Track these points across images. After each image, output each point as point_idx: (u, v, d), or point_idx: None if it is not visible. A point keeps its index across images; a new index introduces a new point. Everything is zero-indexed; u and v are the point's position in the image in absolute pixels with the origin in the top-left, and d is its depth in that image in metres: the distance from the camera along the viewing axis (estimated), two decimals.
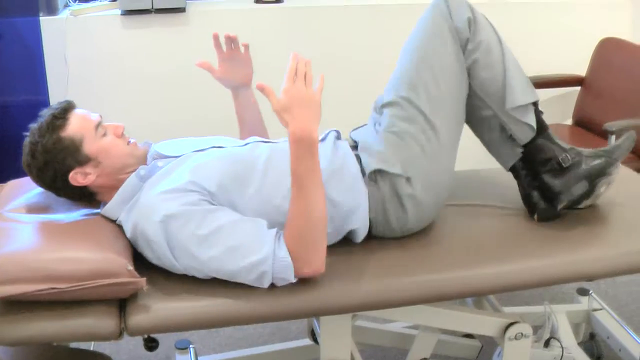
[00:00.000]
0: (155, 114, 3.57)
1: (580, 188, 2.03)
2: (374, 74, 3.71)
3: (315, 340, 2.35)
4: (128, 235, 1.79)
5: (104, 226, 1.80)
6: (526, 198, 2.09)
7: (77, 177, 1.81)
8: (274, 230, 1.73)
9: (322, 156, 1.81)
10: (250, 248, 1.68)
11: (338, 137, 2.03)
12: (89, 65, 3.42)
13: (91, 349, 2.40)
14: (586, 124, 3.54)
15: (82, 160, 1.80)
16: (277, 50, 3.60)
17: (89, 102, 3.44)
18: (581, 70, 3.70)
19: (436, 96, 1.95)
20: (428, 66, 1.96)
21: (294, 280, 1.71)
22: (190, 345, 2.26)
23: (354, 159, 1.95)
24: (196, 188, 1.74)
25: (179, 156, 1.88)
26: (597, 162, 2.04)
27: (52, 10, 3.30)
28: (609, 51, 3.60)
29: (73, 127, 1.80)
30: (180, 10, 3.43)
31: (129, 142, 1.89)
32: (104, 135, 1.84)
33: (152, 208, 1.72)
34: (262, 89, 1.69)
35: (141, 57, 3.48)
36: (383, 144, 1.94)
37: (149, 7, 3.36)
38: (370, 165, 1.93)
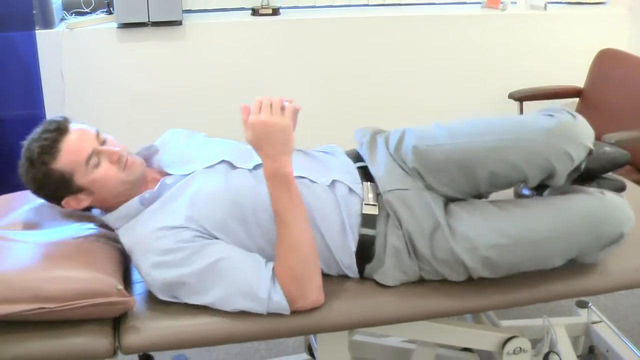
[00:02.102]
0: (151, 127, 3.54)
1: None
2: (371, 86, 3.72)
3: (312, 355, 2.34)
4: (125, 248, 1.75)
5: (95, 245, 1.77)
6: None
7: (71, 202, 1.77)
8: (271, 267, 1.69)
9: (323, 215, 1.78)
10: (247, 291, 1.65)
11: (351, 190, 1.85)
12: (85, 78, 3.41)
13: None
14: None
15: (73, 190, 1.75)
16: (275, 62, 3.60)
17: (85, 115, 3.44)
18: (579, 82, 3.69)
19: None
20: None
21: (288, 314, 1.68)
22: None
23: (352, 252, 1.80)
24: (191, 225, 1.69)
25: (188, 174, 1.81)
26: None
27: (48, 23, 3.29)
28: (607, 62, 3.59)
29: (63, 160, 1.71)
30: (177, 23, 3.43)
31: (126, 163, 1.77)
32: (97, 165, 1.74)
33: (147, 245, 1.68)
34: (243, 122, 1.67)
35: (137, 70, 3.48)
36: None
37: (145, 20, 3.36)
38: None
